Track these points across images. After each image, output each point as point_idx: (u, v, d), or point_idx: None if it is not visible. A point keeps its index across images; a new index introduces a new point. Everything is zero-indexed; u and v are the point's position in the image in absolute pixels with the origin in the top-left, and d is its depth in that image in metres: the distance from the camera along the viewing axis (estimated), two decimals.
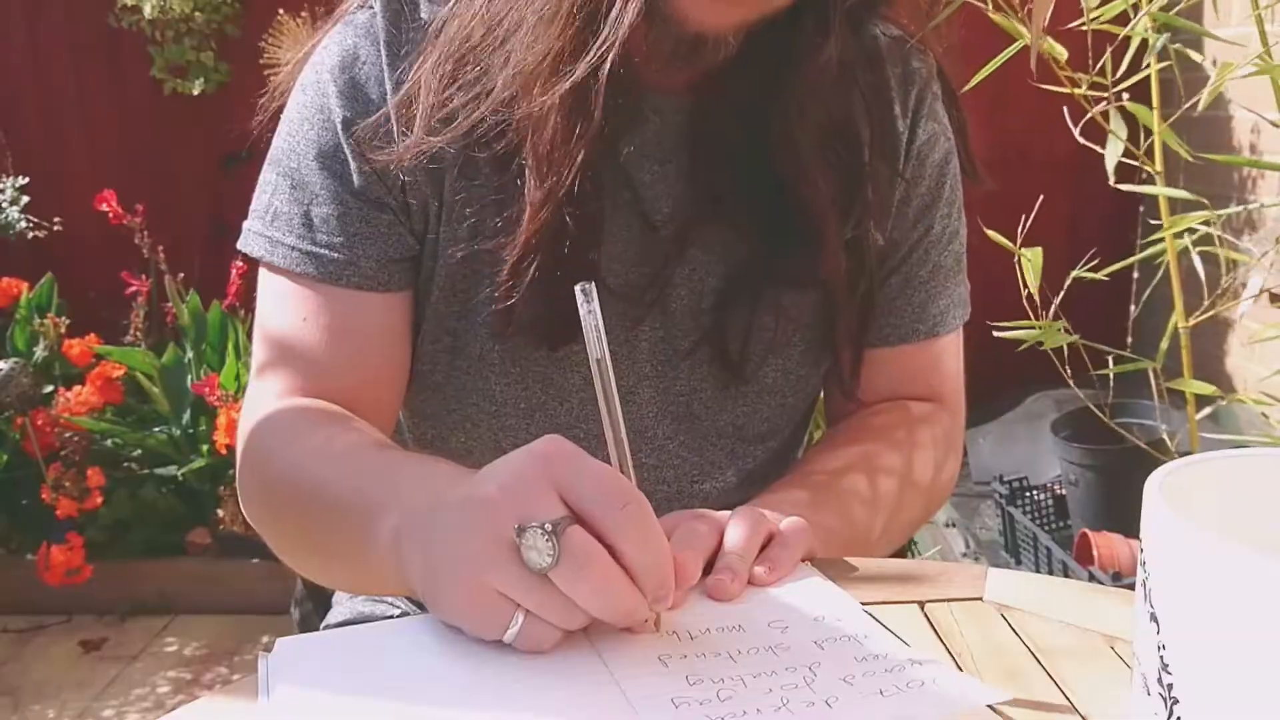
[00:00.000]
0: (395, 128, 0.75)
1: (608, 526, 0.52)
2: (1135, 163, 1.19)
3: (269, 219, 0.79)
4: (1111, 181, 1.12)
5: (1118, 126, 1.11)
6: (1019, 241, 1.11)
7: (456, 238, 0.80)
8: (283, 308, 0.79)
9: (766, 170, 0.80)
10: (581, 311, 0.55)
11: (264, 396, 0.78)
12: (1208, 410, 1.27)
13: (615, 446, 0.56)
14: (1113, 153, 1.12)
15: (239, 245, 0.81)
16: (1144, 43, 1.10)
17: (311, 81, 0.79)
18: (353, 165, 0.77)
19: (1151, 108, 1.14)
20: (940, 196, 0.90)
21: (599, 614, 0.53)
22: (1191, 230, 1.16)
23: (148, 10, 2.75)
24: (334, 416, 0.75)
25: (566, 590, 0.51)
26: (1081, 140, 1.12)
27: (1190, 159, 1.15)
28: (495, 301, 0.78)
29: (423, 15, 0.78)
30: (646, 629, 0.55)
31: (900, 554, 2.42)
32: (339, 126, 0.77)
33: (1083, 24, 1.06)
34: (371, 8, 0.79)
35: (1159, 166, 1.18)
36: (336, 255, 0.77)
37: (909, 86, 0.88)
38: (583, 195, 0.75)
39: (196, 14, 2.78)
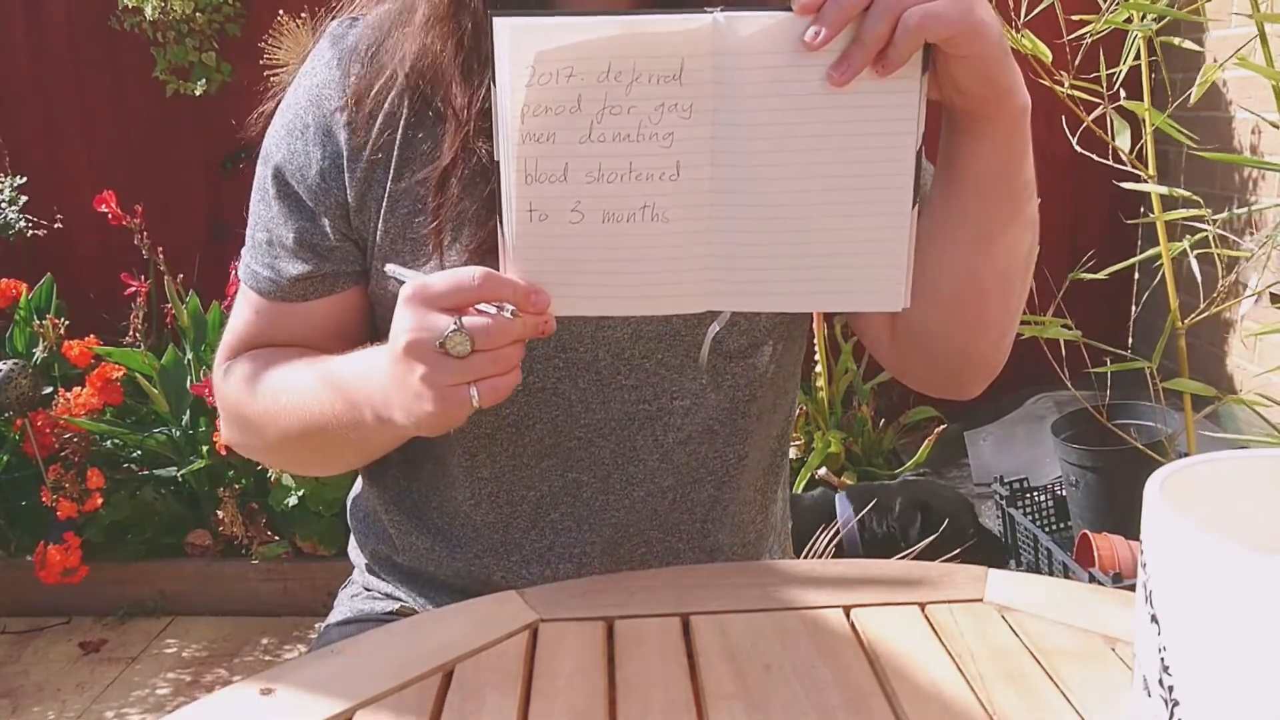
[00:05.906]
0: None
1: (475, 299, 0.70)
2: (1130, 167, 1.19)
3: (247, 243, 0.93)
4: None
5: (1119, 126, 1.12)
6: None
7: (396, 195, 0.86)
8: (240, 306, 0.94)
9: None
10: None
11: (217, 367, 0.94)
12: (1206, 411, 1.28)
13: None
14: (1124, 142, 1.12)
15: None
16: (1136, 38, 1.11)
17: (273, 125, 0.90)
18: (273, 191, 0.88)
19: (1147, 107, 1.14)
20: None
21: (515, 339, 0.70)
22: (1191, 231, 1.17)
23: (149, 11, 2.75)
24: (275, 355, 0.90)
25: (489, 345, 0.69)
26: (1078, 148, 1.12)
27: (1191, 147, 1.15)
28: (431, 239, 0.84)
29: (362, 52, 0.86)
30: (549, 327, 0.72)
31: (893, 555, 2.42)
32: (270, 171, 0.88)
33: (1086, 32, 1.06)
34: (324, 57, 0.87)
35: (1151, 166, 1.18)
36: (266, 273, 0.90)
37: None
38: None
39: (197, 15, 2.79)
